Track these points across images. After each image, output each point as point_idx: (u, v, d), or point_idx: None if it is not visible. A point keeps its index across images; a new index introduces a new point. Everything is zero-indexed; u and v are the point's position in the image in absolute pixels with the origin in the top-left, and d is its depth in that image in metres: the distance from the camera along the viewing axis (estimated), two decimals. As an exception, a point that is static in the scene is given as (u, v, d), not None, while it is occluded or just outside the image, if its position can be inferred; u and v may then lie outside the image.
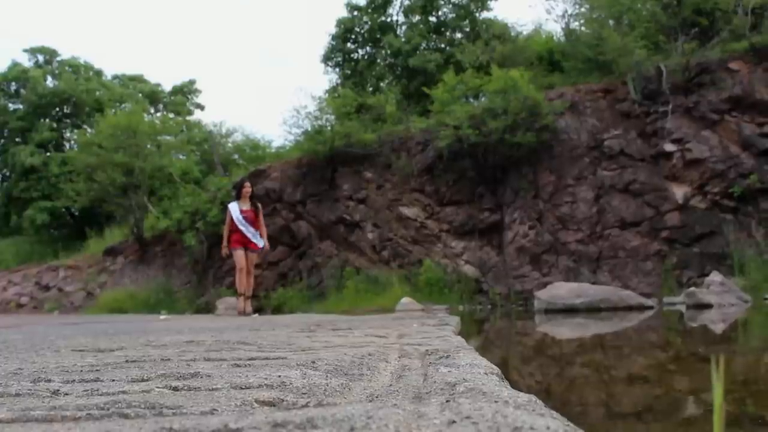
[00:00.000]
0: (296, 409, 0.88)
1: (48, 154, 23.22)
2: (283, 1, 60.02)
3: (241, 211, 9.01)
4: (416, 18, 18.00)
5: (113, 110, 21.32)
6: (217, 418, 0.78)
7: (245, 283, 9.04)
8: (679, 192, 11.24)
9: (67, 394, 1.08)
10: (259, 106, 50.07)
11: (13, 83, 25.13)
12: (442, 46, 17.44)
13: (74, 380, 1.24)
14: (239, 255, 9.01)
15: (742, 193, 10.73)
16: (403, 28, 18.17)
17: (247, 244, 9.01)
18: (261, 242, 9.12)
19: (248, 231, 8.93)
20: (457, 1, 17.74)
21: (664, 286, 10.66)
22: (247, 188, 9.21)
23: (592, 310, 8.47)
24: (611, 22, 13.56)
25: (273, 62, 59.64)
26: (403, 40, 17.19)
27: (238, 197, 9.18)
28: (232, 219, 9.02)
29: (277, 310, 13.05)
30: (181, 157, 19.96)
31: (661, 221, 11.25)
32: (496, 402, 0.88)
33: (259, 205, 9.44)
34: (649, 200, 11.40)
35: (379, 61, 18.30)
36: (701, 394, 2.13)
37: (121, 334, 3.31)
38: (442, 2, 17.84)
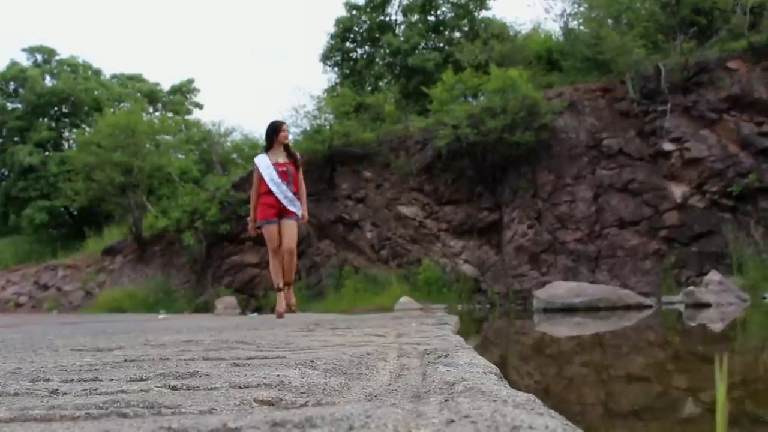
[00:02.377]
0: (295, 409, 0.88)
1: (47, 153, 23.22)
2: (282, 0, 59.98)
3: (276, 165, 6.53)
4: (415, 17, 18.00)
5: (112, 109, 21.31)
6: (216, 418, 0.78)
7: (281, 270, 6.64)
8: (677, 191, 11.25)
9: (65, 394, 1.08)
10: (257, 106, 50.04)
11: (12, 83, 25.11)
12: (441, 45, 17.44)
13: (73, 380, 1.24)
14: (272, 231, 6.47)
15: (740, 192, 10.74)
16: (402, 27, 18.17)
17: (283, 212, 6.51)
18: (299, 210, 6.64)
19: (284, 195, 6.49)
20: (455, 1, 17.74)
21: (663, 285, 10.67)
22: (285, 133, 6.75)
23: (590, 309, 8.48)
24: (610, 21, 13.57)
25: (272, 61, 59.63)
26: (401, 39, 17.19)
27: (269, 148, 6.67)
28: (261, 179, 6.54)
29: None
30: (179, 156, 19.97)
31: (660, 220, 11.26)
32: (494, 401, 0.88)
33: (299, 156, 6.82)
34: (647, 199, 11.41)
35: (377, 60, 18.31)
36: (700, 393, 2.13)
37: (119, 334, 3.30)
38: (441, 1, 17.85)
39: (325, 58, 18.83)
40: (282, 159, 6.61)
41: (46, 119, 24.47)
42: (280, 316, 6.49)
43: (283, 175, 6.56)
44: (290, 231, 6.54)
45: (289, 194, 6.57)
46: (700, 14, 12.47)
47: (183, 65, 61.60)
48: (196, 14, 63.04)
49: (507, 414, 0.73)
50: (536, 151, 12.11)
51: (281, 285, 6.61)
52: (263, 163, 6.59)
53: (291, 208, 6.53)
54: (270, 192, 6.52)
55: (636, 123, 11.94)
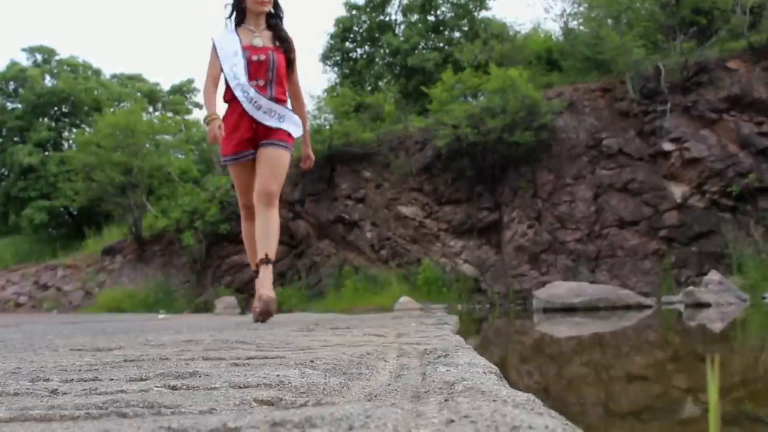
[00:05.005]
0: (295, 408, 0.88)
1: (46, 153, 23.23)
2: (282, 0, 59.99)
3: (247, 49, 3.99)
4: (415, 17, 18.01)
5: (112, 109, 21.32)
6: (216, 417, 0.78)
7: (256, 236, 4.10)
8: (677, 191, 11.25)
9: (65, 394, 1.08)
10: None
11: (12, 82, 25.12)
12: (441, 45, 17.45)
13: (73, 379, 1.24)
14: (241, 174, 4.17)
15: (740, 192, 10.75)
16: (402, 27, 18.18)
17: (261, 136, 4.06)
18: (295, 128, 4.15)
19: (251, 100, 3.94)
20: (455, 1, 17.75)
21: (663, 285, 10.68)
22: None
23: (590, 309, 8.48)
24: (610, 21, 13.57)
25: (271, 61, 59.60)
26: (401, 39, 17.20)
27: (239, 20, 4.12)
28: (220, 73, 4.04)
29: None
30: (179, 156, 19.98)
31: (660, 220, 11.26)
32: (494, 401, 0.88)
33: (292, 40, 4.22)
34: (647, 199, 11.42)
35: (377, 60, 18.31)
36: (700, 393, 2.13)
37: (119, 334, 3.30)
38: (441, 1, 17.86)
39: (325, 58, 18.84)
40: (260, 41, 4.00)
41: (45, 119, 24.47)
42: (258, 317, 4.14)
43: (256, 69, 3.93)
44: (271, 163, 4.00)
45: (262, 99, 3.89)
46: (700, 14, 12.47)
47: (183, 65, 61.63)
48: (196, 14, 63.07)
49: (507, 414, 0.73)
50: (536, 151, 12.11)
51: (258, 264, 4.13)
52: (225, 47, 3.93)
53: (273, 123, 3.96)
54: (235, 100, 3.93)
55: (636, 123, 11.94)
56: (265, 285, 4.12)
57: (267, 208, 4.03)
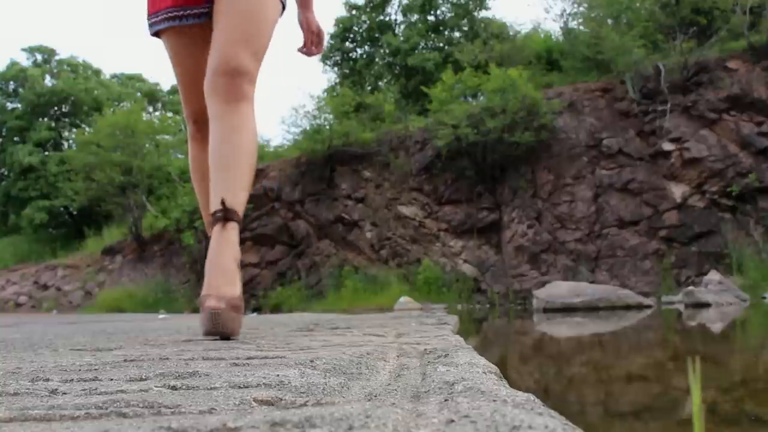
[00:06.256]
0: (295, 408, 0.88)
1: (46, 153, 23.26)
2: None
3: None
4: (415, 17, 18.03)
5: (112, 109, 21.33)
6: (216, 417, 0.78)
7: (210, 161, 2.11)
8: (677, 191, 11.26)
9: (65, 393, 1.08)
10: (256, 105, 50.03)
11: (12, 82, 25.15)
12: (441, 45, 17.47)
13: (72, 379, 1.24)
14: (187, 48, 2.32)
15: (740, 192, 10.76)
16: (402, 27, 18.20)
17: None
18: None
19: None
20: (455, 1, 17.76)
21: (663, 285, 10.68)
22: None
23: (590, 309, 8.48)
24: (610, 21, 13.59)
25: (271, 61, 59.69)
26: (401, 39, 17.21)
27: None
28: None
29: (276, 309, 13.05)
30: (179, 156, 19.97)
31: (660, 220, 11.27)
32: (494, 401, 0.88)
33: None
34: (647, 199, 11.42)
35: (377, 60, 18.32)
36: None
37: (119, 334, 3.30)
38: (441, 1, 17.87)
39: (325, 58, 18.86)
40: None
41: (45, 119, 24.50)
42: (208, 336, 2.04)
43: None
44: (238, 8, 2.18)
45: None
46: (700, 14, 12.49)
47: (183, 65, 61.67)
48: (195, 14, 63.10)
49: (507, 414, 0.73)
50: (536, 151, 12.12)
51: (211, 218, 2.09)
52: None
53: None
54: None
55: (636, 123, 11.95)
56: (220, 271, 2.02)
57: (228, 102, 2.14)
